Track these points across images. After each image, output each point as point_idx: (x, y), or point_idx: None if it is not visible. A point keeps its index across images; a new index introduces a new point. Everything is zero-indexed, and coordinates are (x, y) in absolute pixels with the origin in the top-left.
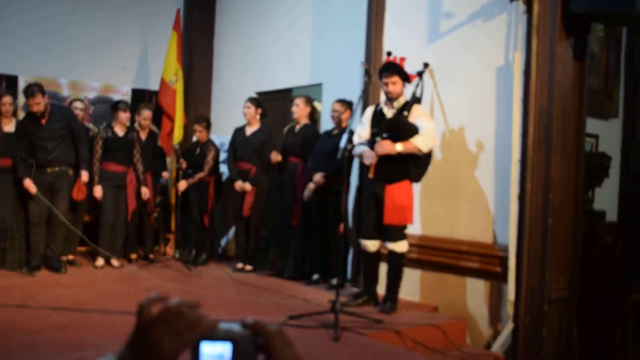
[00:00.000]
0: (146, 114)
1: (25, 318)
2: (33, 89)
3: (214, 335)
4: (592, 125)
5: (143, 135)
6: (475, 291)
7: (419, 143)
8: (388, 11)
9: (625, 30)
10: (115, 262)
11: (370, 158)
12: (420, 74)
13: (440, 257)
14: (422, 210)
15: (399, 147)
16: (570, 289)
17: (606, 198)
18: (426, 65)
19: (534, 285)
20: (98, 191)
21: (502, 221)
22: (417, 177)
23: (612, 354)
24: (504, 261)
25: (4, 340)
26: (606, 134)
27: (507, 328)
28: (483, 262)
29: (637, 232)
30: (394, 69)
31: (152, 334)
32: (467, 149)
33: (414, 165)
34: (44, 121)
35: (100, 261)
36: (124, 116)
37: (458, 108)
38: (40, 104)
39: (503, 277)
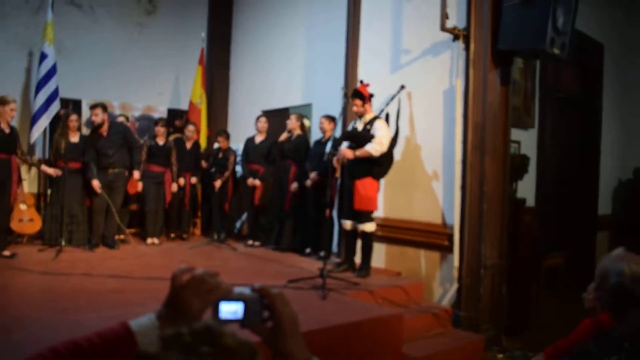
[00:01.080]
0: (191, 127)
1: (89, 283)
2: (96, 105)
3: (230, 297)
4: (515, 134)
5: (189, 145)
6: (429, 260)
7: (370, 149)
8: (361, 48)
9: (538, 62)
10: (156, 240)
11: (334, 162)
12: (372, 95)
13: (401, 234)
14: (387, 199)
15: (355, 152)
16: (500, 258)
17: (526, 188)
18: (402, 86)
19: (473, 255)
20: (140, 186)
21: (448, 207)
22: (378, 175)
23: (530, 305)
24: (450, 237)
25: (74, 300)
26: (526, 140)
27: (453, 288)
28: (434, 237)
29: (548, 214)
30: (354, 94)
31: (182, 297)
32: (421, 152)
33: (377, 166)
34: (105, 134)
35: (149, 240)
36: (156, 129)
37: (415, 121)
38: (98, 115)
39: (449, 249)
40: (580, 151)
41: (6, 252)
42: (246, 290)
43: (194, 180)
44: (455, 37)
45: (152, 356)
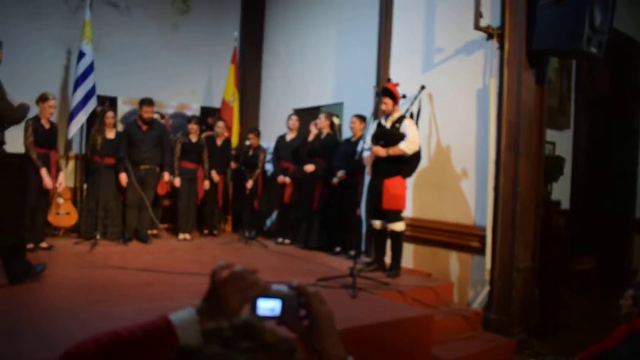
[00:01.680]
0: (220, 124)
1: (122, 276)
2: (149, 101)
3: (268, 294)
4: (550, 134)
5: (219, 141)
6: (460, 261)
7: (403, 147)
8: (393, 47)
9: (574, 62)
10: (188, 235)
11: (367, 160)
12: (404, 96)
13: (431, 235)
14: (416, 199)
15: (388, 151)
16: (533, 260)
17: (561, 190)
18: (422, 87)
19: (505, 257)
20: (177, 182)
21: (481, 207)
22: (408, 174)
23: (560, 308)
24: (482, 238)
25: (107, 292)
26: (561, 141)
27: (485, 290)
28: (466, 239)
29: (583, 217)
30: (385, 92)
31: (221, 292)
32: (454, 152)
33: (406, 164)
34: (145, 128)
35: (181, 235)
36: (190, 127)
37: (447, 121)
38: (150, 112)
39: (481, 251)
40: (617, 153)
41: (43, 244)
42: (283, 288)
43: (216, 177)
44: (489, 36)
45: (194, 349)
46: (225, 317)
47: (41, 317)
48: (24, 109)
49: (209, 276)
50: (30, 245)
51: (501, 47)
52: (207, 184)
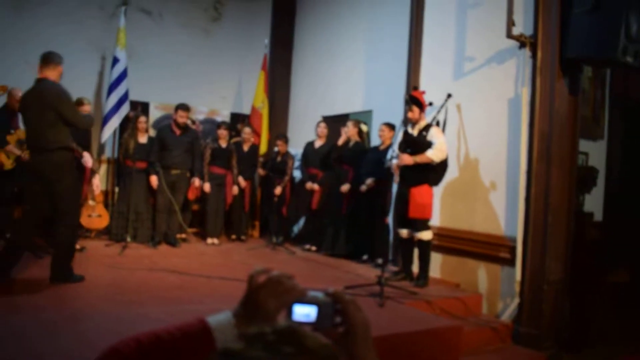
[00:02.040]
0: (247, 130)
1: (151, 279)
2: (185, 106)
3: (304, 300)
4: (583, 145)
5: (246, 147)
6: (489, 272)
7: (431, 155)
8: (424, 55)
9: (608, 71)
10: (216, 240)
11: (393, 168)
12: (431, 103)
13: (460, 245)
14: (445, 208)
15: (415, 158)
16: (564, 272)
17: (594, 202)
18: (449, 95)
19: (536, 269)
20: (207, 187)
21: (511, 218)
22: (435, 182)
23: (593, 322)
24: (512, 250)
25: (138, 294)
26: (594, 152)
27: (514, 302)
28: (495, 250)
29: (617, 229)
30: (413, 100)
31: (259, 297)
32: (485, 161)
33: (432, 173)
34: (179, 133)
35: (209, 240)
36: (220, 132)
37: (478, 129)
38: (185, 117)
39: (511, 262)
40: None
41: (76, 246)
42: (320, 294)
43: (243, 183)
44: (522, 45)
45: (237, 352)
46: (261, 321)
47: (77, 316)
48: (90, 119)
49: (246, 281)
50: None
51: (534, 56)
52: (235, 189)
